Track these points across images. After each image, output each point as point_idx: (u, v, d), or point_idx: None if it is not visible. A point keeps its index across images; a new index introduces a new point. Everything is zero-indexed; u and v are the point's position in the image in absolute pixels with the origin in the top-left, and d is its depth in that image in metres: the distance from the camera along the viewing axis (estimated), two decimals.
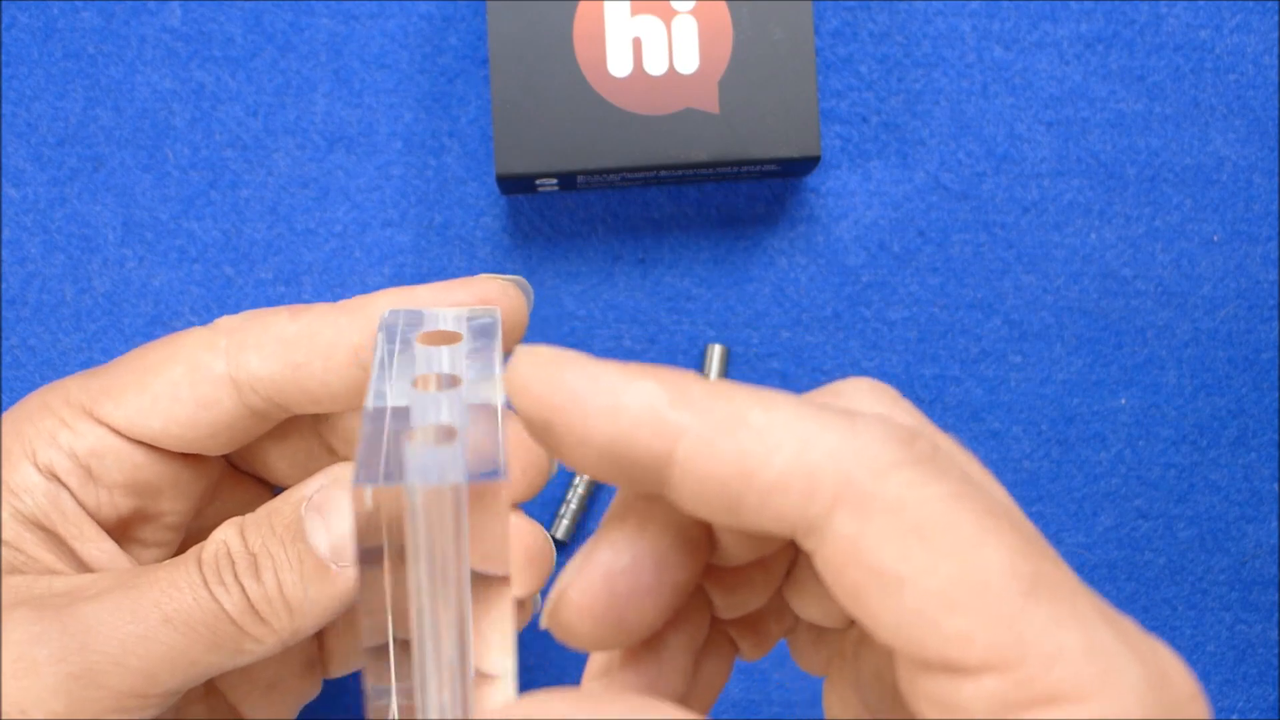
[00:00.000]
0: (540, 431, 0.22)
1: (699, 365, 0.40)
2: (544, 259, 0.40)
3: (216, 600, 0.28)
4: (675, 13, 0.37)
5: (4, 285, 0.40)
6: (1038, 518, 0.40)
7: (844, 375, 0.40)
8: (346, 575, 0.28)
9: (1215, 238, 0.41)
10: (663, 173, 0.38)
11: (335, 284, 0.40)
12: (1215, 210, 0.41)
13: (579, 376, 0.22)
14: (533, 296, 0.30)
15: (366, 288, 0.40)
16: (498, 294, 0.30)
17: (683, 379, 0.22)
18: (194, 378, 0.30)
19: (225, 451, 0.32)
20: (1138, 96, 0.41)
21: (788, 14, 0.37)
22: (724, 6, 0.37)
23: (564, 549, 0.40)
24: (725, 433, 0.21)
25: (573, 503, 0.40)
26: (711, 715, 0.40)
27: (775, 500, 0.21)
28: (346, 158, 0.40)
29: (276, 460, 0.33)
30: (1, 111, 0.40)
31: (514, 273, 0.40)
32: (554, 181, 0.38)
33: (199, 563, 0.28)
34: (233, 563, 0.28)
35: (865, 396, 0.24)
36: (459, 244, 0.40)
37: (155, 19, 0.40)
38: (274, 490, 0.35)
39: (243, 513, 0.30)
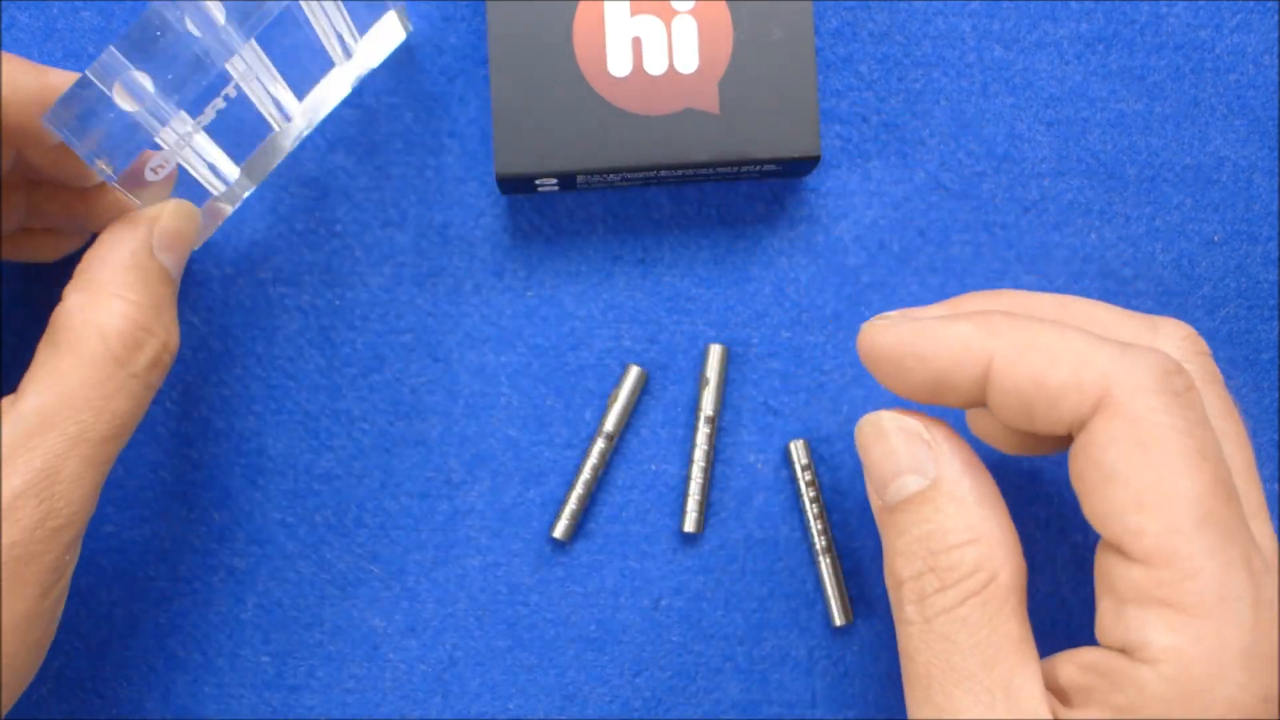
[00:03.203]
0: (891, 374, 0.31)
1: (699, 365, 0.40)
2: (544, 259, 0.40)
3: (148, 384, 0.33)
4: (675, 13, 0.37)
5: (4, 285, 0.40)
6: (1039, 518, 0.40)
7: (844, 375, 0.40)
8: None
9: (1215, 238, 0.41)
10: (663, 173, 0.38)
11: (335, 283, 0.40)
12: (1215, 210, 0.41)
13: (910, 330, 0.30)
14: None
15: (367, 288, 0.40)
16: None
17: (989, 316, 0.30)
18: None
19: None
20: (1138, 96, 0.41)
21: (788, 14, 0.37)
22: (724, 6, 0.37)
23: (562, 547, 0.40)
24: (1022, 356, 0.29)
25: (571, 503, 0.40)
26: (711, 715, 0.40)
27: (1060, 404, 0.28)
28: (346, 158, 0.40)
29: None
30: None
31: (514, 272, 0.40)
32: (554, 182, 0.38)
33: (128, 371, 0.32)
34: (139, 345, 0.32)
35: (1170, 337, 0.32)
36: (459, 244, 0.40)
37: None
38: None
39: None
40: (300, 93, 0.38)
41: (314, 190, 0.40)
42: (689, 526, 0.40)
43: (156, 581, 0.40)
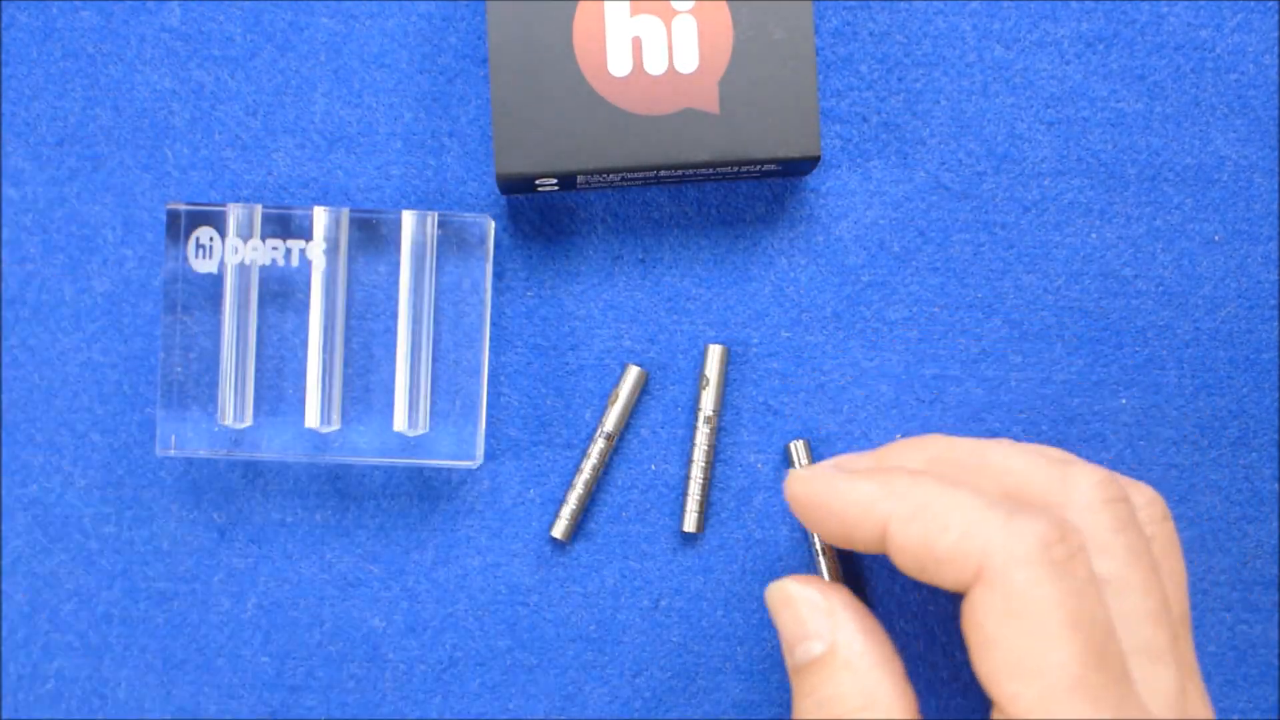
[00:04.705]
0: (810, 521, 0.34)
1: (699, 365, 0.40)
2: (544, 259, 0.40)
3: None
4: (675, 12, 0.37)
5: (4, 285, 0.40)
6: None
7: (844, 375, 0.40)
8: None
9: (1216, 238, 0.41)
10: (663, 173, 0.38)
11: None
12: (1215, 210, 0.41)
13: (822, 486, 0.33)
14: None
15: (364, 288, 0.40)
16: None
17: (891, 477, 0.32)
18: None
19: None
20: (1138, 96, 0.41)
21: (788, 14, 0.37)
22: (724, 6, 0.37)
23: (562, 547, 0.40)
24: (914, 519, 0.31)
25: (572, 503, 0.40)
26: (711, 715, 0.40)
27: (945, 568, 0.30)
28: (346, 158, 0.40)
29: None
30: (1, 111, 0.40)
31: (514, 272, 0.40)
32: (554, 182, 0.38)
33: None
34: None
35: (1078, 487, 0.32)
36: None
37: (155, 19, 0.40)
38: None
39: None
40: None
41: (314, 190, 0.40)
42: (689, 526, 0.40)
43: (156, 582, 0.40)
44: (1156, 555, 0.33)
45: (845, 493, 0.32)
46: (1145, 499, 0.34)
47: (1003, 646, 0.29)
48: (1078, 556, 0.30)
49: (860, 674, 0.32)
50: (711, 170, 0.38)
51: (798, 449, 0.40)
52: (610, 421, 0.40)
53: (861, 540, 0.32)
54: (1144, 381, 0.41)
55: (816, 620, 0.33)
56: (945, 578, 0.30)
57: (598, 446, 0.40)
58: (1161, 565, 0.33)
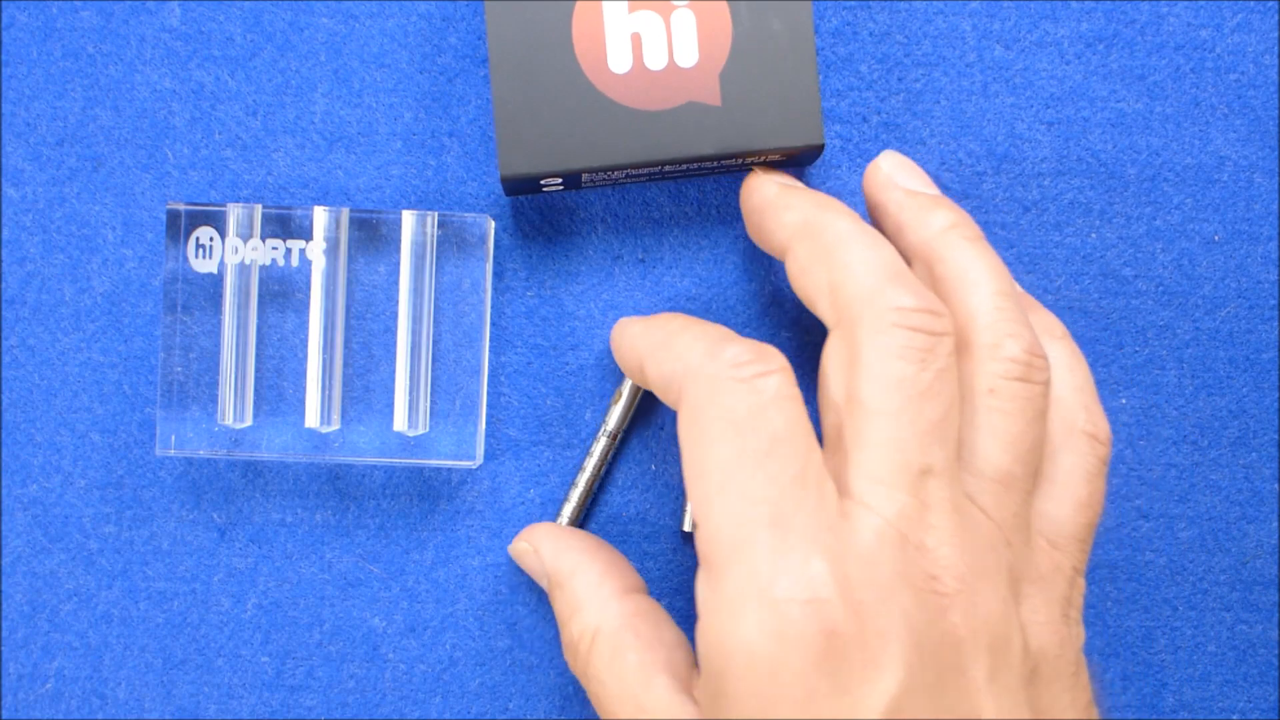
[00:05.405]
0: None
1: None
2: (544, 259, 0.40)
3: None
4: (673, 7, 0.37)
5: (4, 285, 0.40)
6: None
7: None
8: None
9: (1216, 237, 0.41)
10: (667, 168, 0.38)
11: None
12: (1215, 210, 0.41)
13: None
14: None
15: (364, 288, 0.40)
16: None
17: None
18: None
19: None
20: (1138, 96, 0.41)
21: (785, 4, 0.37)
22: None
23: None
24: (645, 360, 0.34)
25: (574, 500, 0.40)
26: None
27: (662, 396, 0.34)
28: (346, 158, 0.40)
29: None
30: (1, 111, 0.40)
31: (514, 272, 0.40)
32: (559, 181, 0.38)
33: None
34: None
35: (881, 314, 0.31)
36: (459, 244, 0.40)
37: (155, 19, 0.40)
38: None
39: None
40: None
41: (314, 190, 0.40)
42: (689, 526, 0.40)
43: (156, 582, 0.40)
44: (986, 404, 0.32)
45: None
46: (1008, 352, 0.32)
47: (684, 457, 0.31)
48: (771, 376, 0.31)
49: (567, 590, 0.36)
50: (716, 164, 0.38)
51: None
52: (613, 420, 0.40)
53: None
54: (1144, 381, 0.41)
55: (533, 563, 0.37)
56: (669, 402, 0.33)
57: (600, 445, 0.40)
58: (979, 413, 0.32)
